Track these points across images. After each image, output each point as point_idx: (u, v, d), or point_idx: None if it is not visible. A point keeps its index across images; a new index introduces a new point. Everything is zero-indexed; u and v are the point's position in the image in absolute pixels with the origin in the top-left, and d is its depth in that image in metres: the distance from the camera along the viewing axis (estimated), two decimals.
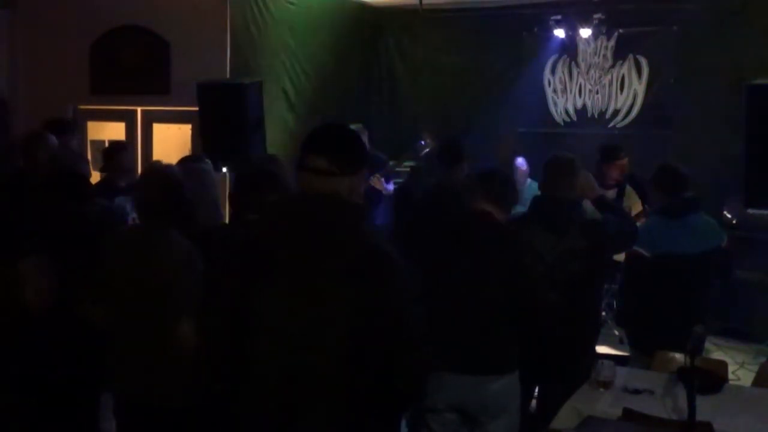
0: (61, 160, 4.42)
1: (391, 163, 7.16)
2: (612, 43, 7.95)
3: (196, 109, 6.59)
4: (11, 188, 4.10)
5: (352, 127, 7.76)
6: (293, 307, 2.16)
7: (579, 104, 8.20)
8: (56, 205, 3.64)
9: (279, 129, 7.29)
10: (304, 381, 2.15)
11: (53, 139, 4.55)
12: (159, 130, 7.64)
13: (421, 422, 3.48)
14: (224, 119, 6.00)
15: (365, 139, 7.06)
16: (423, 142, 7.03)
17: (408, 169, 7.32)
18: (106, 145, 7.42)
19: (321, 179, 2.23)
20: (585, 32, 7.80)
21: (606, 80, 8.04)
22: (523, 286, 3.35)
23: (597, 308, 4.26)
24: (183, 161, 4.17)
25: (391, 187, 7.08)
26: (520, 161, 7.27)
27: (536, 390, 3.98)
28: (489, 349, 3.34)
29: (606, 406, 3.26)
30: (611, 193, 5.67)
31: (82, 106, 7.73)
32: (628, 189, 6.00)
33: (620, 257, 4.80)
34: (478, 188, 3.51)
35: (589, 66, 8.12)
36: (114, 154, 5.43)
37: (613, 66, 7.99)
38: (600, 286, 4.25)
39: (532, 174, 6.88)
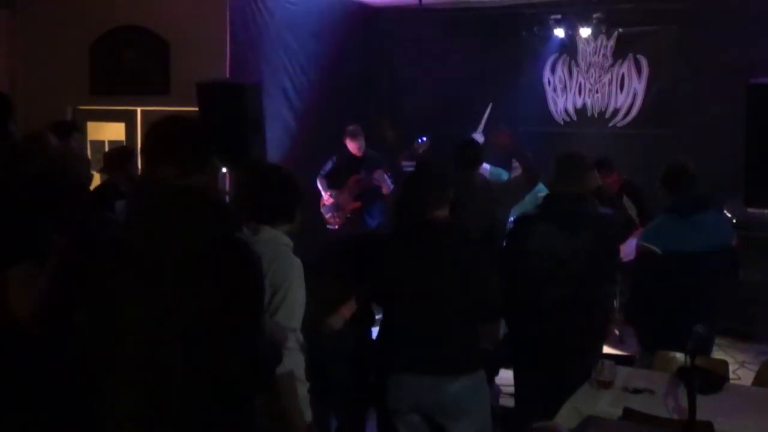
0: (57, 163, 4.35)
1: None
2: (612, 42, 7.96)
3: (196, 109, 6.59)
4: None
5: (349, 128, 7.70)
6: (146, 296, 2.24)
7: (579, 103, 8.21)
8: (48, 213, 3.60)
9: (279, 129, 7.28)
10: (159, 371, 2.21)
11: (55, 140, 4.51)
12: None
13: (389, 424, 3.43)
14: (224, 119, 5.98)
15: (361, 141, 7.11)
16: (422, 140, 6.98)
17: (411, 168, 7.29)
18: (106, 146, 7.44)
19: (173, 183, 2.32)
20: (585, 31, 7.82)
21: (606, 79, 8.04)
22: (477, 286, 3.28)
23: (604, 304, 4.27)
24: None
25: (390, 183, 7.07)
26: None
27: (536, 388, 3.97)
28: (446, 349, 3.28)
29: (606, 405, 3.26)
30: None
31: (81, 107, 7.72)
32: (625, 200, 5.94)
33: (623, 256, 4.79)
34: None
35: (589, 65, 8.12)
36: (123, 163, 5.17)
37: (612, 65, 8.00)
38: (608, 282, 4.25)
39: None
